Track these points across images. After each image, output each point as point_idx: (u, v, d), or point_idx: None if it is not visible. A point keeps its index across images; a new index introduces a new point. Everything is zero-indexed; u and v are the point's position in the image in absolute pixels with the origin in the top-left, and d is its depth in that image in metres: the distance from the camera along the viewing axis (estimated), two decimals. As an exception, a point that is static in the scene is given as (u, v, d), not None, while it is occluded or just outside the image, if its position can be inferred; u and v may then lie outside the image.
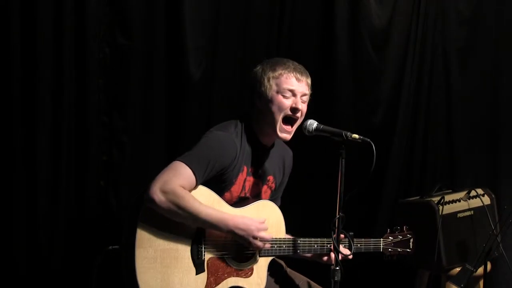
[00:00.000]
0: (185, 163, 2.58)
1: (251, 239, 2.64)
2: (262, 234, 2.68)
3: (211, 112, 3.63)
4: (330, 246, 2.81)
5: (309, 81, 2.82)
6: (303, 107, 2.78)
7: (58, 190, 3.22)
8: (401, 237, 3.03)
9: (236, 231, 2.62)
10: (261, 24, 3.76)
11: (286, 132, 2.77)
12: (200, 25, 3.54)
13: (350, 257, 2.79)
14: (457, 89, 4.41)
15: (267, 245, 2.72)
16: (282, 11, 3.82)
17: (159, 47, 3.46)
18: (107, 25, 3.31)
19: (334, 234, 2.59)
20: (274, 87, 2.75)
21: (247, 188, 2.81)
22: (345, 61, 4.01)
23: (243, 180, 2.78)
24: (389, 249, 3.00)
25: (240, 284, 2.71)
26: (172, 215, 2.54)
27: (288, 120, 2.77)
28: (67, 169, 3.24)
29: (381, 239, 2.99)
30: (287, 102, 2.75)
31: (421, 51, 4.26)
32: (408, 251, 3.03)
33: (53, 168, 3.20)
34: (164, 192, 2.51)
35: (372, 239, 2.96)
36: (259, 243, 2.67)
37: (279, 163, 2.97)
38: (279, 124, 2.75)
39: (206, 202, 2.64)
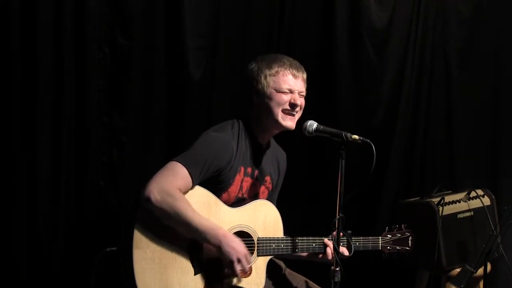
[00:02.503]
0: (181, 164, 2.58)
1: (235, 259, 2.59)
2: (245, 264, 2.62)
3: (211, 112, 3.62)
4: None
5: (305, 76, 2.83)
6: (301, 101, 2.79)
7: (58, 190, 3.22)
8: (399, 235, 3.03)
9: (225, 246, 2.57)
10: (261, 24, 3.76)
11: (289, 120, 2.78)
12: (200, 25, 3.53)
13: (346, 254, 2.78)
14: (457, 89, 4.41)
15: (243, 275, 2.67)
16: (282, 11, 3.82)
17: (159, 47, 3.45)
18: (107, 25, 3.30)
19: (333, 234, 2.59)
20: (272, 85, 2.76)
21: (244, 188, 2.81)
22: (345, 61, 4.01)
23: (241, 181, 2.78)
24: (388, 247, 3.00)
25: (239, 284, 2.70)
26: (164, 216, 2.53)
27: (288, 112, 2.78)
28: (67, 169, 3.23)
29: (380, 237, 2.99)
30: (286, 98, 2.77)
31: (421, 51, 4.25)
32: (407, 249, 3.03)
33: (53, 168, 3.20)
34: (160, 191, 2.50)
35: (370, 237, 2.97)
36: (238, 268, 2.61)
37: (274, 164, 2.97)
38: (280, 114, 2.76)
39: (203, 202, 2.64)
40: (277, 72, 2.77)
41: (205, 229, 2.56)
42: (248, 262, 2.64)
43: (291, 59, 2.83)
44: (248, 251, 2.65)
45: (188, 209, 2.55)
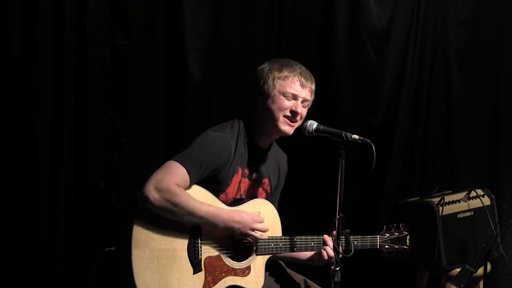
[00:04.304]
0: (179, 162, 2.59)
1: (248, 230, 2.65)
2: (259, 225, 2.69)
3: (211, 112, 3.62)
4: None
5: (313, 87, 2.83)
6: (302, 110, 2.79)
7: (58, 190, 3.21)
8: (397, 234, 3.03)
9: (232, 223, 2.63)
10: (261, 25, 3.76)
11: (288, 125, 2.78)
12: (200, 25, 3.53)
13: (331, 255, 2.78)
14: (457, 89, 4.41)
15: (265, 235, 2.72)
16: (282, 12, 3.82)
17: (159, 47, 3.45)
18: (107, 25, 3.30)
19: (333, 234, 2.59)
20: (278, 87, 2.76)
21: (242, 190, 2.82)
22: (345, 61, 4.02)
23: (238, 182, 2.79)
24: (386, 246, 3.00)
25: (238, 283, 2.72)
26: (167, 213, 2.54)
27: (288, 118, 2.78)
28: (67, 169, 3.23)
29: (378, 236, 3.00)
30: (288, 104, 2.76)
31: (421, 51, 4.26)
32: (405, 248, 3.03)
33: (53, 169, 3.19)
34: (158, 190, 2.51)
35: (368, 236, 2.97)
36: (257, 234, 2.68)
37: (274, 166, 2.97)
38: (281, 118, 2.76)
39: (202, 201, 2.64)
40: (286, 77, 2.77)
41: (209, 215, 2.60)
42: (260, 221, 2.69)
43: (303, 68, 2.83)
44: (255, 215, 2.69)
45: (189, 200, 2.57)
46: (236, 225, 2.63)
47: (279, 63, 2.83)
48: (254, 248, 2.74)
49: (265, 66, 2.83)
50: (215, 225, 2.62)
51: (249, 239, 2.67)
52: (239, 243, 2.73)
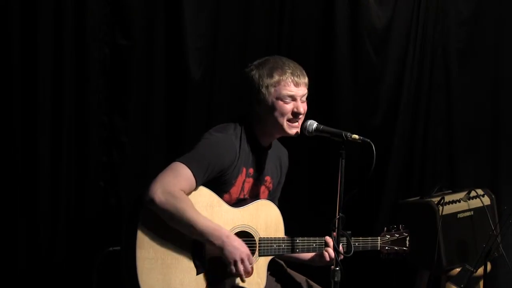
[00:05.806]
0: (185, 164, 2.57)
1: (237, 259, 2.59)
2: (248, 264, 2.63)
3: (211, 112, 3.63)
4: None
5: (306, 81, 2.79)
6: (304, 106, 2.78)
7: (58, 190, 3.22)
8: (397, 235, 3.02)
9: (227, 246, 2.57)
10: (261, 24, 3.76)
11: (294, 128, 2.76)
12: (200, 25, 3.54)
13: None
14: (457, 89, 4.41)
15: (247, 276, 2.67)
16: (282, 11, 3.83)
17: (159, 47, 3.45)
18: (107, 25, 3.31)
19: (334, 234, 2.59)
20: (274, 94, 2.72)
21: (246, 189, 2.81)
22: (345, 61, 4.02)
23: (242, 182, 2.78)
24: (386, 248, 3.00)
25: (240, 284, 2.70)
26: (168, 217, 2.53)
27: (292, 121, 2.77)
28: (67, 169, 3.23)
29: (378, 238, 2.99)
30: (289, 107, 2.73)
31: (421, 51, 4.26)
32: (404, 249, 3.02)
33: (53, 169, 3.20)
34: (164, 193, 2.50)
35: (369, 238, 2.96)
36: (241, 267, 2.61)
37: (276, 163, 2.96)
38: (286, 123, 2.74)
39: (206, 203, 2.64)
40: (278, 82, 2.72)
41: (208, 230, 2.56)
42: (251, 263, 2.64)
43: (291, 64, 2.76)
44: (250, 252, 2.65)
45: (192, 211, 2.55)
46: (229, 248, 2.57)
47: (267, 66, 2.76)
48: (257, 249, 2.73)
49: (254, 72, 2.77)
50: (210, 242, 2.58)
51: (233, 267, 2.60)
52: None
